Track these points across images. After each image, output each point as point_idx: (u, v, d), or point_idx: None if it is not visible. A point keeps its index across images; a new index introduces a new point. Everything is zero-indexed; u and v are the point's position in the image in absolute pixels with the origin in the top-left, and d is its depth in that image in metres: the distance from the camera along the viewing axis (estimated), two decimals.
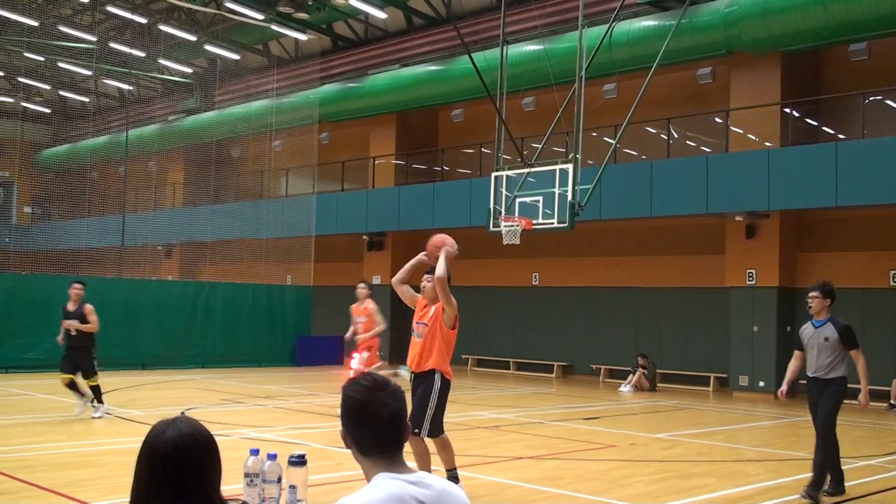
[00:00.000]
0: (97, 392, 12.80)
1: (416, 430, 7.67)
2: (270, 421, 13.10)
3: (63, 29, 28.28)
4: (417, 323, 8.23)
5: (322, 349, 25.01)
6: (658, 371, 20.74)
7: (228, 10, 25.57)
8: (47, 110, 36.98)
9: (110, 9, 27.43)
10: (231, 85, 31.57)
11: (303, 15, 25.84)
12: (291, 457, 5.35)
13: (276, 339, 24.42)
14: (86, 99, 36.25)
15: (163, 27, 27.86)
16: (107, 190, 33.74)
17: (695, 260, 21.53)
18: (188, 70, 31.41)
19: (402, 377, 15.03)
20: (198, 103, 31.79)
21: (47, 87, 34.72)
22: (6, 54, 30.94)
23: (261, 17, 25.69)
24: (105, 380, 16.48)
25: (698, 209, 19.01)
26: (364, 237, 26.72)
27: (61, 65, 31.62)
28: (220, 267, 28.72)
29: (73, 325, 12.62)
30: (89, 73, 32.41)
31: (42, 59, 30.94)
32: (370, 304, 13.95)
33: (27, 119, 36.34)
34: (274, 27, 26.35)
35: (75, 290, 12.94)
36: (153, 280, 26.13)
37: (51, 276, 23.24)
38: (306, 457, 5.58)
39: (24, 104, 36.00)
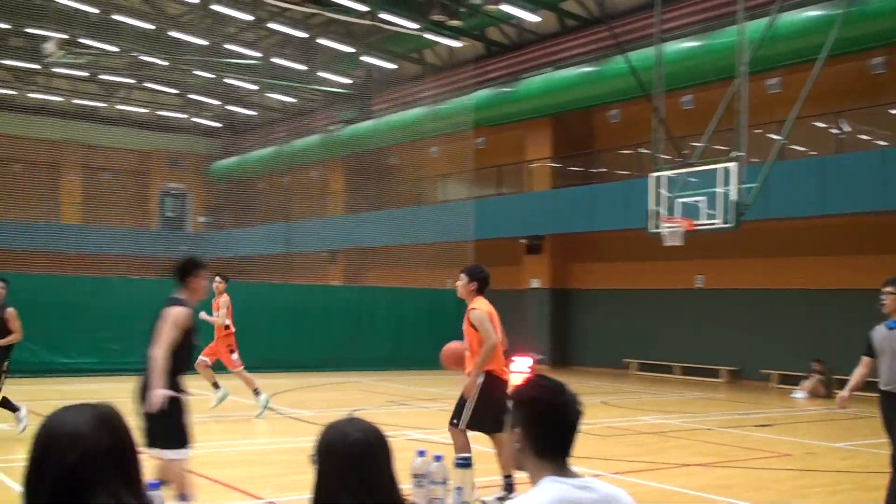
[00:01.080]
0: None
1: (454, 421, 8.06)
2: (434, 423, 13.28)
3: (229, 47, 29.68)
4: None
5: None
6: (834, 377, 19.78)
7: (383, 21, 26.17)
8: (217, 124, 38.92)
9: (272, 26, 28.58)
10: (388, 94, 32.27)
11: (456, 22, 26.15)
12: (457, 458, 5.40)
13: (437, 343, 24.67)
14: (252, 112, 37.93)
15: (321, 41, 28.81)
16: (273, 199, 35.19)
17: (873, 260, 20.40)
18: (347, 81, 32.34)
19: (260, 402, 13.81)
20: (356, 113, 32.68)
21: (217, 102, 36.53)
22: (179, 73, 32.75)
23: (415, 26, 26.16)
24: (274, 381, 17.21)
25: (875, 205, 18.03)
26: (522, 241, 26.73)
27: (228, 81, 33.19)
28: (382, 272, 29.39)
29: None
30: (255, 87, 33.89)
31: (212, 76, 32.57)
32: (222, 299, 14.11)
33: (199, 133, 38.36)
34: (428, 36, 26.78)
35: None
36: (319, 285, 27.01)
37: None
38: (472, 459, 5.64)
39: (195, 119, 38.03)
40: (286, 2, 25.60)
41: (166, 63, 30.88)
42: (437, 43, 28.39)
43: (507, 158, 28.51)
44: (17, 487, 8.30)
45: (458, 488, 5.61)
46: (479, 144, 28.76)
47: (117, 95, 36.10)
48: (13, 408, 11.30)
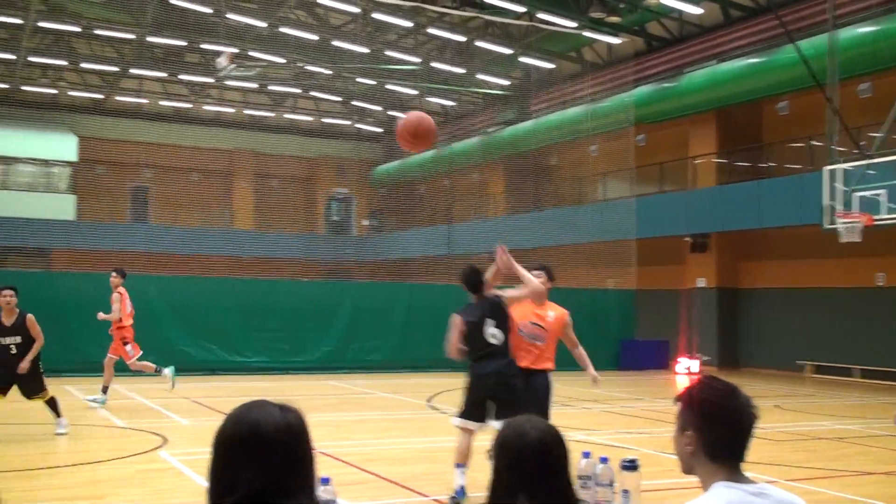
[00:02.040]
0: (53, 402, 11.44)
1: None
2: (598, 424, 13.12)
3: (390, 53, 30.34)
4: (533, 324, 8.38)
5: (647, 353, 24.69)
6: None
7: (541, 21, 26.08)
8: (379, 129, 39.86)
9: (431, 31, 29.01)
10: (546, 94, 32.15)
11: (615, 18, 25.75)
12: (623, 461, 5.28)
13: (599, 344, 24.42)
14: None
15: (479, 43, 29.02)
16: (434, 201, 35.72)
17: None
18: (505, 82, 32.44)
19: (166, 376, 15.15)
20: (515, 114, 32.71)
21: (378, 108, 37.43)
22: (343, 81, 33.75)
23: (573, 24, 25.94)
24: (441, 380, 17.42)
25: None
26: (686, 239, 26.05)
27: (389, 87, 33.93)
28: None
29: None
30: (415, 92, 34.50)
31: (373, 82, 33.39)
32: (116, 294, 14.55)
33: (362, 139, 39.41)
34: (586, 34, 26.50)
35: (5, 297, 11.01)
36: None
37: (388, 283, 24.99)
38: (638, 462, 5.52)
39: (358, 126, 39.10)
40: (444, 7, 25.95)
41: (330, 72, 31.89)
42: (595, 40, 28.06)
43: (670, 155, 27.84)
44: (198, 479, 8.75)
45: (625, 491, 5.51)
46: (640, 141, 28.21)
47: (285, 105, 37.58)
48: (58, 412, 11.40)
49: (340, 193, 40.36)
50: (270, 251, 33.56)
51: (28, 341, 10.97)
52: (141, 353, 14.86)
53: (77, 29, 29.13)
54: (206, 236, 32.98)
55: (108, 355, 14.68)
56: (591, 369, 8.93)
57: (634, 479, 5.44)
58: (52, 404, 11.33)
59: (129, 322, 14.77)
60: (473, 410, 7.83)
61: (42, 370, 11.22)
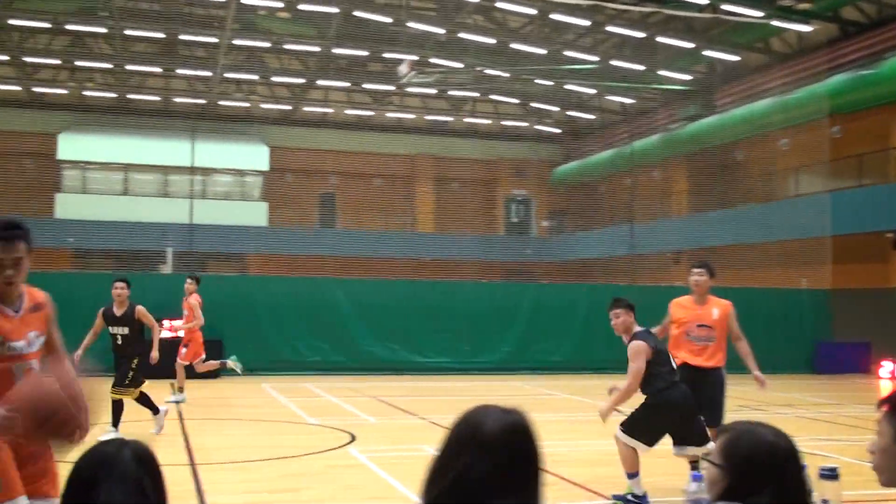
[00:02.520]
0: (118, 408, 10.91)
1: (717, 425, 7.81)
2: (793, 430, 12.47)
3: (568, 53, 30.13)
4: (700, 326, 8.33)
5: (845, 356, 23.36)
6: None
7: (725, 13, 25.18)
8: (558, 130, 39.68)
9: (610, 28, 28.60)
10: (731, 87, 31.02)
11: (806, 5, 24.51)
12: (822, 469, 5.02)
13: (792, 346, 23.34)
14: (591, 116, 38.22)
15: (660, 39, 28.34)
16: (615, 201, 35.19)
17: None
18: (687, 77, 31.55)
19: (233, 366, 15.23)
20: (698, 109, 31.75)
21: (556, 108, 37.26)
22: (521, 83, 33.82)
23: (760, 14, 24.89)
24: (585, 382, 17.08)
25: None
26: (888, 235, 24.44)
27: (568, 87, 33.70)
28: (729, 272, 28.29)
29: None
30: (594, 91, 34.12)
31: (551, 83, 33.26)
32: (192, 300, 14.57)
33: (541, 140, 39.36)
34: (775, 23, 25.36)
35: (116, 290, 10.98)
36: (662, 286, 26.58)
37: (569, 284, 24.83)
38: (838, 470, 5.21)
39: (537, 127, 39.07)
40: (624, 4, 25.51)
41: (508, 74, 32.03)
42: (785, 29, 26.82)
43: (869, 146, 26.21)
44: (386, 476, 8.97)
45: (825, 501, 5.21)
46: (835, 133, 26.71)
47: (464, 109, 38.05)
48: (154, 408, 11.32)
49: (519, 195, 40.47)
50: (451, 253, 34.05)
51: (134, 332, 10.88)
52: (204, 355, 15.31)
53: (267, 44, 30.62)
54: (389, 240, 33.86)
55: (185, 361, 15.04)
56: (756, 370, 8.57)
57: (835, 489, 5.15)
58: (144, 400, 11.15)
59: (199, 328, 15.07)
60: (651, 436, 7.76)
61: (135, 367, 10.94)
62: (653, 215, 33.98)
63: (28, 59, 31.56)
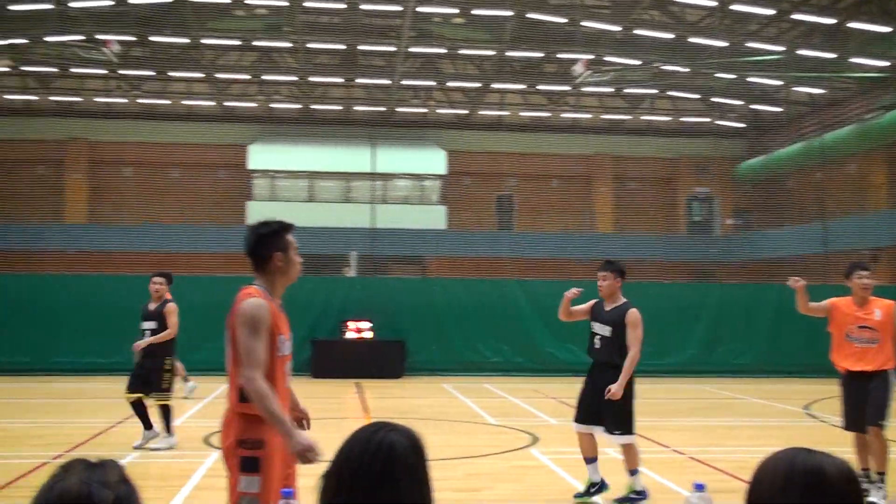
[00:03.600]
0: (167, 414, 10.59)
1: (880, 422, 7.76)
2: None
3: (751, 45, 29.03)
4: (861, 328, 7.99)
5: None
6: None
7: None
8: (741, 125, 38.30)
9: (796, 16, 27.36)
10: None
11: None
12: None
13: None
14: (778, 109, 36.68)
15: (852, 24, 26.84)
16: (804, 196, 33.61)
17: None
18: (884, 63, 29.73)
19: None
20: None
21: (740, 102, 35.98)
22: (701, 78, 32.89)
23: None
24: (821, 387, 16.32)
25: None
26: None
27: (751, 79, 32.48)
28: None
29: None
30: (780, 83, 32.72)
31: (733, 76, 32.16)
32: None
33: (723, 136, 38.12)
34: None
35: (153, 284, 10.75)
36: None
37: (755, 284, 23.93)
38: None
39: (719, 122, 37.86)
40: None
41: (688, 70, 31.23)
42: None
43: None
44: (569, 477, 8.95)
45: None
46: None
47: (642, 106, 37.39)
48: (163, 425, 10.63)
49: (702, 193, 39.34)
50: (631, 253, 33.51)
51: (161, 329, 10.52)
52: None
53: (443, 50, 31.16)
54: (568, 241, 33.71)
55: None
56: None
57: None
58: (165, 412, 10.55)
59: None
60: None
61: (168, 369, 10.55)
62: (847, 211, 32.20)
63: (220, 76, 33.47)
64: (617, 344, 8.08)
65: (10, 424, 12.60)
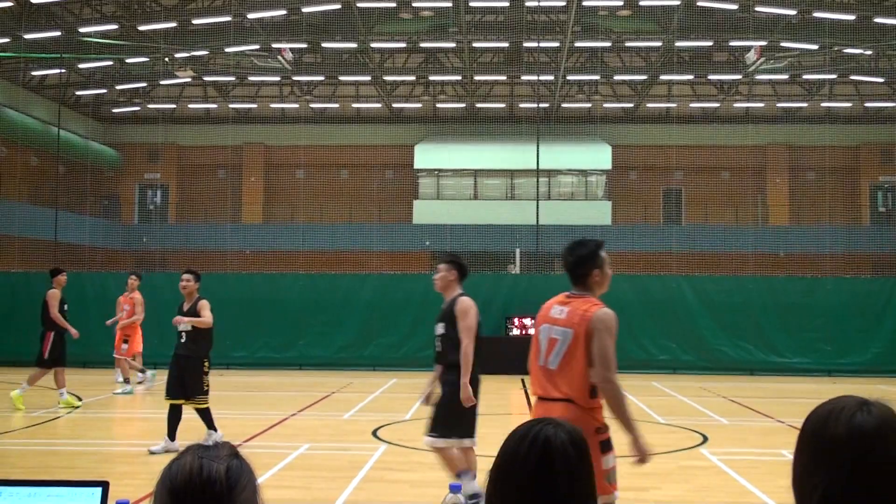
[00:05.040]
0: (206, 417, 10.16)
1: None
2: None
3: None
4: None
5: None
6: None
7: None
8: None
9: None
10: None
11: None
12: None
13: None
14: None
15: None
16: None
17: None
18: None
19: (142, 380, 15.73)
20: None
21: None
22: (887, 59, 31.02)
23: None
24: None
25: None
26: None
27: None
28: None
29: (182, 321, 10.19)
30: None
31: None
32: (136, 296, 15.90)
33: None
34: None
35: (182, 282, 10.36)
36: None
37: None
38: None
39: None
40: None
41: (871, 52, 29.51)
42: None
43: None
44: (739, 478, 8.62)
45: None
46: None
47: (821, 93, 35.60)
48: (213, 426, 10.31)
49: (888, 181, 37.06)
50: (808, 247, 32.02)
51: (198, 330, 10.06)
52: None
53: (608, 44, 30.71)
54: (739, 234, 32.56)
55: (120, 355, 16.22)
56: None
57: None
58: (205, 415, 10.21)
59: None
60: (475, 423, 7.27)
61: (207, 371, 10.17)
62: None
63: (388, 78, 34.25)
64: (451, 340, 7.34)
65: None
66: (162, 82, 33.59)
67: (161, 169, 37.18)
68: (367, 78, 34.05)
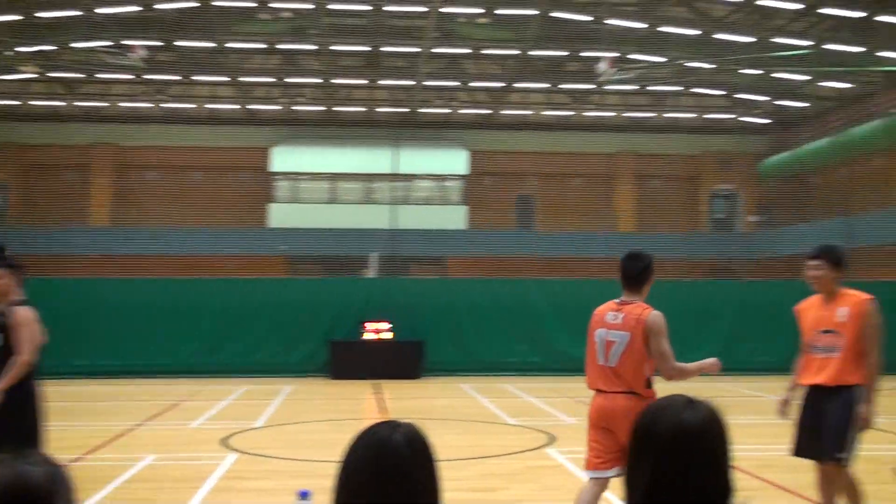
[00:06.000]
0: None
1: (839, 455, 6.13)
2: None
3: (777, 40, 28.78)
4: (824, 332, 6.33)
5: None
6: None
7: None
8: (766, 121, 37.98)
9: (824, 11, 27.08)
10: None
11: None
12: None
13: None
14: (804, 104, 36.35)
15: (881, 17, 26.52)
16: (829, 193, 33.31)
17: None
18: None
19: None
20: None
21: (765, 98, 35.68)
22: (726, 74, 32.66)
23: None
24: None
25: None
26: None
27: (777, 75, 32.20)
28: None
29: None
30: (807, 77, 32.43)
31: (759, 72, 31.91)
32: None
33: (747, 132, 37.83)
34: None
35: None
36: (883, 281, 24.91)
37: (779, 281, 23.77)
38: None
39: (743, 119, 37.58)
40: None
41: (713, 66, 31.02)
42: None
43: None
44: (585, 477, 8.92)
45: None
46: None
47: (665, 104, 37.18)
48: None
49: (725, 190, 39.06)
50: (653, 252, 33.22)
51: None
52: None
53: (466, 51, 31.15)
54: (589, 240, 33.59)
55: None
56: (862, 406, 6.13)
57: None
58: None
59: None
60: None
61: None
62: (873, 206, 31.86)
63: (244, 79, 33.68)
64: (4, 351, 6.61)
65: None
66: (2, 77, 31.99)
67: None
68: (224, 78, 33.40)
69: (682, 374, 5.81)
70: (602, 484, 5.82)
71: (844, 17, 27.72)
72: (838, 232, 28.20)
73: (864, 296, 6.29)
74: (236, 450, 10.55)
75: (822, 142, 34.07)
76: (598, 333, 5.82)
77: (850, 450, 6.10)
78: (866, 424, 6.05)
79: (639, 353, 5.66)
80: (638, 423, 2.05)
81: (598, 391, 5.82)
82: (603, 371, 5.76)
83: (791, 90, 34.88)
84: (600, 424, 5.76)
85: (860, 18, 27.38)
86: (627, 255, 6.08)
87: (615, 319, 5.79)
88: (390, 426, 2.13)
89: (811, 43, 28.59)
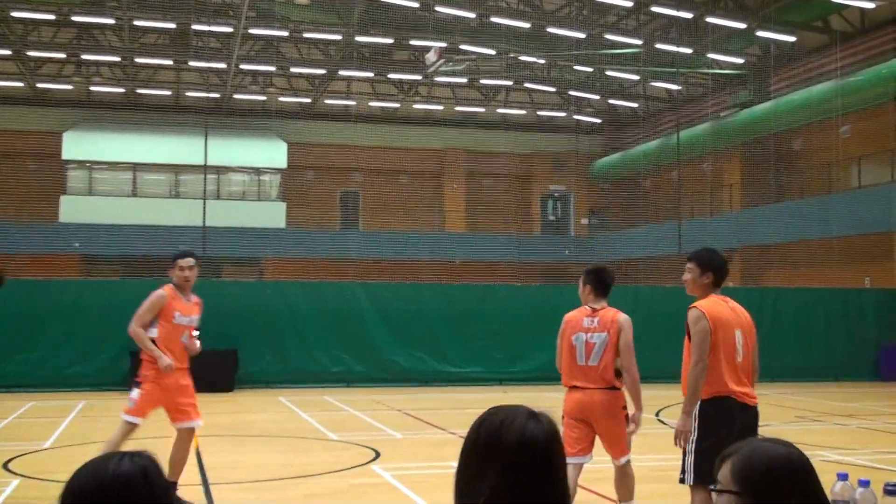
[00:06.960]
0: None
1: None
2: (854, 443, 12.37)
3: (609, 37, 29.99)
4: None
5: None
6: None
7: None
8: (598, 120, 39.51)
9: (655, 9, 28.41)
10: (787, 70, 30.74)
11: None
12: (887, 485, 4.93)
13: (854, 351, 23.04)
14: (634, 104, 38.03)
15: (710, 19, 28.12)
16: (660, 196, 34.98)
17: None
18: (739, 60, 31.30)
19: None
20: (752, 95, 31.47)
21: (597, 97, 37.09)
22: (559, 70, 33.72)
23: None
24: (673, 392, 16.95)
25: None
26: None
27: (609, 73, 33.55)
28: (784, 271, 28.07)
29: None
30: (637, 77, 33.93)
31: (591, 70, 33.13)
32: None
33: (580, 132, 39.20)
34: None
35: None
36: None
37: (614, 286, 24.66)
38: None
39: (576, 117, 38.92)
40: None
41: (544, 61, 31.95)
42: (846, 6, 26.50)
43: None
44: (411, 494, 8.96)
45: None
46: None
47: (497, 99, 38.01)
48: None
49: (557, 191, 40.35)
50: (483, 255, 33.98)
51: None
52: None
53: (285, 33, 30.77)
54: (416, 241, 33.88)
55: None
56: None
57: None
58: None
59: None
60: None
61: None
62: (702, 211, 33.73)
63: (32, 54, 31.97)
64: None
65: None
66: None
67: None
68: (7, 52, 31.58)
69: (635, 379, 6.98)
70: (578, 469, 6.89)
71: (674, 17, 29.20)
72: (669, 237, 29.66)
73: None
74: (19, 474, 9.97)
75: (653, 144, 35.74)
76: (578, 337, 6.94)
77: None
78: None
79: (613, 349, 6.88)
80: (478, 432, 2.10)
81: (574, 387, 6.95)
82: (583, 370, 6.89)
83: (623, 89, 36.43)
84: (578, 416, 6.89)
85: (689, 19, 28.92)
86: (599, 268, 7.43)
87: (592, 324, 6.96)
88: (119, 456, 2.08)
89: (642, 42, 29.95)
